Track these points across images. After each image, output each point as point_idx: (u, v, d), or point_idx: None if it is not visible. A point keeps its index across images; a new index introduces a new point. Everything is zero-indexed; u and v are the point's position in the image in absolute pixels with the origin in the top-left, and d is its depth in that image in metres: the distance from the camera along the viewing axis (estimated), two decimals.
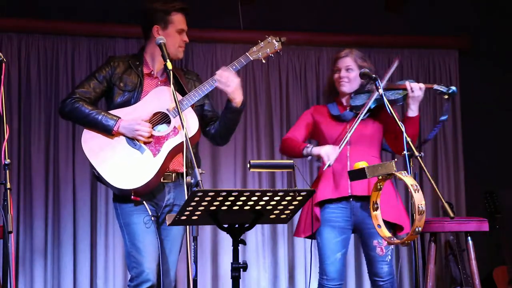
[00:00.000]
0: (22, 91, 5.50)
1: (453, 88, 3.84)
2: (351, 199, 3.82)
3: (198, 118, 3.65)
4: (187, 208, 2.77)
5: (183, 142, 3.37)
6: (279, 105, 5.93)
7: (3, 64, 3.23)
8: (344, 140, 3.76)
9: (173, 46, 3.64)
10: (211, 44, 5.85)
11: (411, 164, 3.53)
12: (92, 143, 3.56)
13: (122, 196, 3.56)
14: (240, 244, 2.91)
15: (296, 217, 3.93)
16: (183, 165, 3.34)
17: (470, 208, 6.01)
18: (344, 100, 3.98)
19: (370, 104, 3.81)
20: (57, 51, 5.59)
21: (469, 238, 4.36)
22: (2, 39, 5.50)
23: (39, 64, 5.55)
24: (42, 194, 5.45)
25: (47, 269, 5.40)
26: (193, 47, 5.75)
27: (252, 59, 3.67)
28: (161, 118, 3.59)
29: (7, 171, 3.16)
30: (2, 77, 3.18)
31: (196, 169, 3.05)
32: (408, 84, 3.79)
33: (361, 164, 3.43)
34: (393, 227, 3.78)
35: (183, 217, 2.82)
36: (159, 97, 3.60)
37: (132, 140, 3.54)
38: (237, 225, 2.90)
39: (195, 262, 3.68)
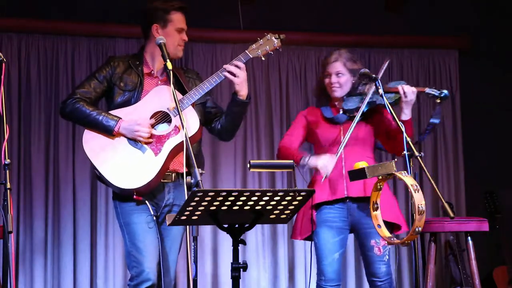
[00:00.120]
0: (22, 91, 5.50)
1: (445, 92, 3.82)
2: (347, 200, 3.82)
3: (201, 116, 3.66)
4: (187, 208, 2.77)
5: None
6: (279, 105, 5.93)
7: (3, 64, 3.23)
8: (341, 147, 3.75)
9: (172, 45, 3.64)
10: (211, 44, 5.85)
11: (411, 164, 3.54)
12: (93, 143, 3.56)
13: (122, 195, 3.56)
14: (240, 244, 2.91)
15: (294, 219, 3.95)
16: (183, 165, 3.34)
17: (470, 208, 6.01)
18: (336, 103, 3.97)
19: (364, 107, 3.80)
20: (57, 51, 5.59)
21: (469, 238, 4.36)
22: (2, 39, 5.50)
23: (39, 64, 5.55)
24: (42, 194, 5.45)
25: (47, 269, 5.40)
26: (193, 47, 5.75)
27: (251, 56, 3.67)
28: (162, 117, 3.59)
29: (7, 171, 3.16)
30: (2, 77, 3.18)
31: (196, 169, 3.05)
32: (401, 88, 3.77)
33: (361, 164, 3.44)
34: (391, 227, 3.78)
35: (183, 217, 2.82)
36: (159, 97, 3.60)
37: (133, 140, 3.54)
38: (237, 225, 2.90)
39: (195, 262, 3.68)
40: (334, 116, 3.90)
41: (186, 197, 2.86)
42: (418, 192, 3.19)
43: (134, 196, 3.48)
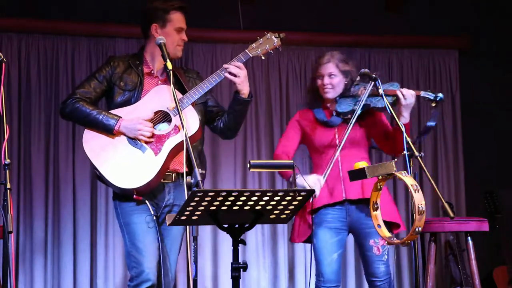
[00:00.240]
0: (22, 91, 5.50)
1: (440, 95, 3.81)
2: (345, 202, 3.82)
3: (202, 115, 3.66)
4: (187, 208, 2.77)
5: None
6: (279, 105, 5.93)
7: (3, 64, 3.24)
8: (336, 153, 3.75)
9: (171, 45, 3.64)
10: (211, 44, 5.85)
11: (411, 164, 3.54)
12: (93, 143, 3.56)
13: (122, 195, 3.56)
14: (240, 244, 2.91)
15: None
16: (183, 165, 3.34)
17: (470, 208, 6.01)
18: (329, 104, 3.96)
19: (359, 111, 3.79)
20: (57, 51, 5.59)
21: (469, 238, 4.36)
22: (2, 39, 5.50)
23: (39, 64, 5.55)
24: (42, 194, 5.45)
25: (47, 269, 5.40)
26: (193, 47, 5.75)
27: (251, 55, 3.68)
28: (162, 116, 3.59)
29: (7, 171, 3.16)
30: (2, 77, 3.18)
31: (196, 169, 3.05)
32: (399, 92, 3.76)
33: (361, 164, 3.43)
34: (389, 226, 3.78)
35: (183, 217, 2.82)
36: (159, 96, 3.60)
37: (133, 139, 3.54)
38: (237, 225, 2.90)
39: (195, 262, 3.67)
40: (328, 120, 3.89)
41: (186, 197, 2.86)
42: (418, 192, 3.19)
43: (134, 196, 3.48)
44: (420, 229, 3.20)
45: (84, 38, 5.64)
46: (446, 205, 3.32)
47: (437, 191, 3.35)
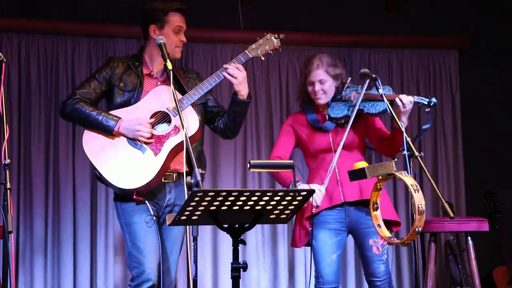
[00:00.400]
0: (22, 91, 5.50)
1: (434, 100, 3.81)
2: (344, 204, 3.82)
3: (202, 116, 3.67)
4: (187, 208, 2.77)
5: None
6: (279, 105, 5.92)
7: (3, 64, 3.24)
8: (333, 162, 3.74)
9: (170, 46, 3.64)
10: (211, 44, 5.85)
11: (411, 164, 3.53)
12: (93, 144, 3.57)
13: (123, 196, 3.56)
14: (240, 244, 2.91)
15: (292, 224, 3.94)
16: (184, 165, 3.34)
17: (470, 208, 6.01)
18: (321, 108, 3.95)
19: (353, 116, 3.78)
20: (57, 51, 5.59)
21: (469, 238, 4.37)
22: (2, 39, 5.50)
23: (39, 64, 5.54)
24: (42, 194, 5.44)
25: (47, 269, 5.40)
26: (192, 47, 5.75)
27: (251, 56, 3.68)
28: (162, 117, 3.59)
29: (7, 171, 3.17)
30: (2, 77, 3.18)
31: (196, 169, 3.05)
32: (398, 99, 3.73)
33: (361, 164, 3.44)
34: (389, 224, 3.78)
35: (183, 217, 2.82)
36: (159, 97, 3.60)
37: (133, 140, 3.55)
38: (237, 225, 2.90)
39: (195, 262, 3.67)
40: (322, 126, 3.89)
41: (186, 197, 2.86)
42: (418, 192, 3.20)
43: (134, 196, 3.49)
44: (420, 229, 3.20)
45: (84, 38, 5.64)
46: (446, 205, 3.32)
47: (437, 191, 3.35)
